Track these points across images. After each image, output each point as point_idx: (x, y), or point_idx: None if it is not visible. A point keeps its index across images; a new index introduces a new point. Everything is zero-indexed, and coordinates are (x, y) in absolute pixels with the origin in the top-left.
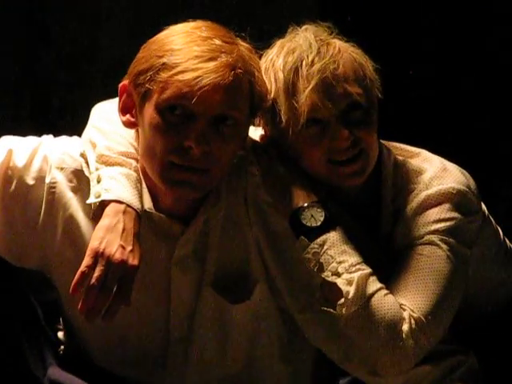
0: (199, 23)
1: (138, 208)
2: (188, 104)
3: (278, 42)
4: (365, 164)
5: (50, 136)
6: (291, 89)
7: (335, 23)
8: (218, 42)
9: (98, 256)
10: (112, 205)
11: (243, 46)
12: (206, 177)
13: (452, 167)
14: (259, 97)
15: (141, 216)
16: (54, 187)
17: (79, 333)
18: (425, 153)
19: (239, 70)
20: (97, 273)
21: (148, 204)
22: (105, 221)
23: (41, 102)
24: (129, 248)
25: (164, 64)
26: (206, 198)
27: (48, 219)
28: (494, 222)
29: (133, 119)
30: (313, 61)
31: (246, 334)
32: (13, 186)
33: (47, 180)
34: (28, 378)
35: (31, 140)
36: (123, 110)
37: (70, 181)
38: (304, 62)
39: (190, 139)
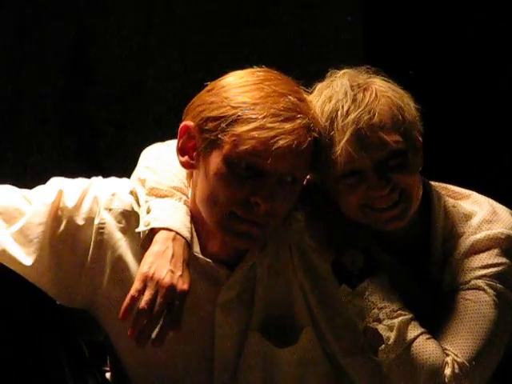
0: (268, 74)
1: (186, 236)
2: (260, 161)
3: (317, 87)
4: (406, 207)
5: (100, 177)
6: (328, 141)
7: (380, 61)
8: (293, 99)
9: (147, 280)
10: (161, 232)
11: (311, 102)
12: (265, 230)
13: (502, 210)
14: (319, 152)
15: (189, 247)
16: (103, 228)
17: (125, 373)
18: (475, 195)
19: (314, 133)
20: (146, 297)
21: (195, 247)
22: (154, 247)
23: (87, 142)
24: (178, 273)
25: (239, 117)
26: None
27: (96, 260)
28: None
29: (192, 161)
30: (348, 111)
31: (293, 379)
32: (62, 227)
33: (96, 221)
34: None
35: (81, 181)
36: (182, 151)
37: (119, 222)
38: (339, 113)
39: (258, 196)
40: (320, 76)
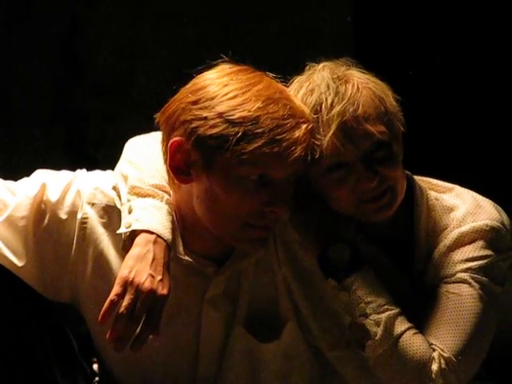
0: (248, 75)
1: (168, 239)
2: (273, 172)
3: (296, 80)
4: (391, 198)
5: (84, 170)
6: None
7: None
8: (287, 102)
9: (127, 285)
10: (142, 235)
11: (293, 96)
12: (273, 230)
13: (485, 203)
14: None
15: (171, 251)
16: (86, 222)
17: (108, 365)
18: (458, 188)
19: (315, 135)
20: (126, 301)
21: (179, 247)
22: (135, 250)
23: (75, 135)
24: (158, 277)
25: (244, 134)
26: None
27: (79, 254)
28: None
29: (188, 177)
30: (332, 103)
31: (277, 373)
32: (46, 221)
33: (79, 215)
34: None
35: (65, 174)
36: (175, 168)
37: (101, 216)
38: (323, 106)
39: (273, 205)
40: (299, 73)
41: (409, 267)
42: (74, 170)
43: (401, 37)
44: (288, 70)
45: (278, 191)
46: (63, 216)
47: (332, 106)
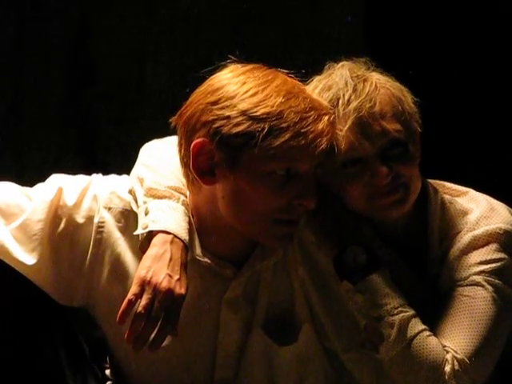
0: (262, 72)
1: (184, 239)
2: (301, 165)
3: (315, 79)
4: (404, 195)
5: (100, 175)
6: None
7: (379, 55)
8: (305, 95)
9: (145, 284)
10: (159, 235)
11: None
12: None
13: (499, 206)
14: None
15: (188, 252)
16: (103, 227)
17: (125, 369)
18: (472, 192)
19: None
20: (144, 301)
21: (197, 248)
22: (152, 250)
23: (88, 139)
24: (176, 277)
25: (270, 129)
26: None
27: (95, 258)
28: None
29: (213, 177)
30: (349, 99)
31: (293, 375)
32: (62, 225)
33: (96, 220)
34: None
35: (81, 179)
36: (199, 170)
37: (118, 221)
38: (340, 101)
39: (303, 198)
40: (319, 72)
41: (423, 270)
42: (85, 173)
43: (411, 40)
44: (299, 72)
45: (305, 184)
46: (80, 220)
47: (349, 102)
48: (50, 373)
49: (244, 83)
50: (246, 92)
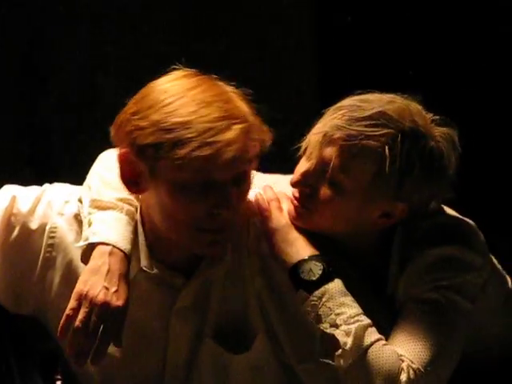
0: (192, 80)
1: (125, 249)
2: (211, 175)
3: None
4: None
5: (54, 184)
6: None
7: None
8: (222, 105)
9: (81, 299)
10: (98, 247)
11: (240, 98)
12: (228, 232)
13: (458, 223)
14: (264, 146)
15: (128, 260)
16: (55, 232)
17: (78, 379)
18: (440, 214)
19: (254, 136)
20: (81, 315)
21: (145, 260)
22: (91, 263)
23: (40, 149)
24: (113, 289)
25: (176, 139)
26: None
27: (47, 263)
28: (502, 271)
29: (139, 187)
30: None
31: (247, 382)
32: (15, 232)
33: (48, 226)
34: None
35: (35, 188)
36: (126, 180)
37: (71, 225)
38: None
39: (220, 207)
40: (275, 85)
41: (383, 285)
42: (38, 184)
43: (364, 59)
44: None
45: (223, 194)
46: (33, 226)
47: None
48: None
49: (165, 92)
50: (162, 101)
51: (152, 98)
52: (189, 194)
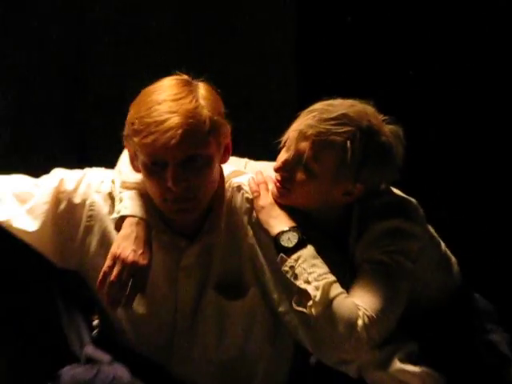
0: (161, 84)
1: (148, 220)
2: (158, 157)
3: None
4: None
5: (92, 168)
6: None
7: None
8: (169, 103)
9: (115, 259)
10: (128, 219)
11: (198, 94)
12: (195, 201)
13: (402, 200)
14: (221, 133)
15: (151, 229)
16: (93, 206)
17: (110, 322)
18: (395, 191)
19: (187, 126)
20: (115, 272)
21: (158, 226)
22: (122, 231)
23: (82, 141)
24: (140, 251)
25: (134, 130)
26: (207, 219)
27: (87, 230)
28: (437, 237)
29: (138, 169)
30: None
31: (242, 325)
32: (62, 206)
33: (88, 201)
34: (68, 353)
35: (77, 171)
36: (132, 163)
37: (105, 201)
38: None
39: (168, 182)
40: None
41: (344, 249)
42: (80, 167)
43: (345, 61)
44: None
45: (172, 173)
46: (76, 201)
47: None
48: (49, 320)
49: (142, 94)
50: (137, 101)
51: (137, 99)
52: (148, 171)
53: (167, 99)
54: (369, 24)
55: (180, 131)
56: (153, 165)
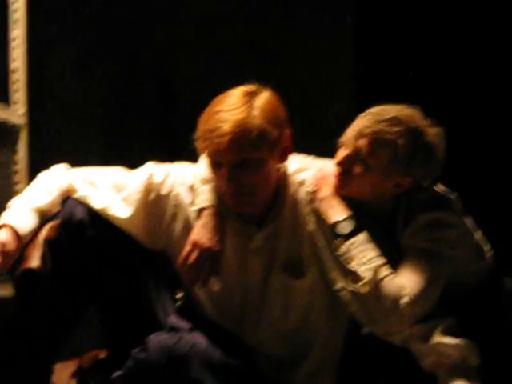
0: (224, 96)
1: (221, 211)
2: (213, 159)
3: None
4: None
5: (178, 163)
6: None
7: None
8: (223, 114)
9: (194, 244)
10: (205, 210)
11: (253, 105)
12: (251, 196)
13: (444, 194)
14: (272, 139)
15: (225, 221)
16: (178, 197)
17: (191, 296)
18: (436, 187)
19: (234, 134)
20: (193, 256)
21: (231, 215)
22: (201, 221)
23: (172, 141)
24: (215, 238)
25: (197, 135)
26: (272, 210)
27: (172, 217)
28: (473, 227)
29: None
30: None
31: (304, 300)
32: (152, 195)
33: (173, 192)
34: (154, 322)
35: (165, 166)
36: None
37: (188, 192)
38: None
39: (223, 181)
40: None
41: (393, 236)
42: (169, 161)
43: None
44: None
45: (224, 173)
46: (164, 193)
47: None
48: (141, 294)
49: (210, 104)
50: (205, 110)
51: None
52: (213, 169)
53: (223, 109)
54: (421, 45)
55: (227, 138)
56: (214, 164)
